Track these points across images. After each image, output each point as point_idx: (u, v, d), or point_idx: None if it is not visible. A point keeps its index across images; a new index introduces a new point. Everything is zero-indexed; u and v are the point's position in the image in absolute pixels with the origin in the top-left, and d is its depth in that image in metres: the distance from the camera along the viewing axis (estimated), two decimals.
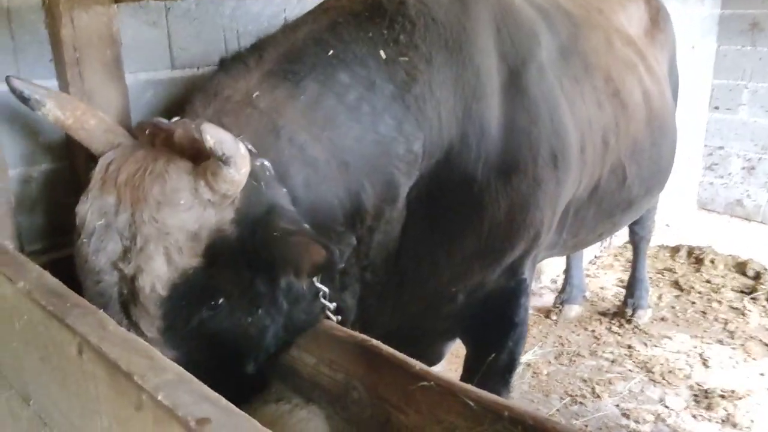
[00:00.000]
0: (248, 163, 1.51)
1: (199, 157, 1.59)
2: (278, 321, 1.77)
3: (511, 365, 2.59)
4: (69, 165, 2.28)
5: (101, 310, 1.26)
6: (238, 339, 1.71)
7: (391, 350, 1.67)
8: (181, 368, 1.06)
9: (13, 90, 1.72)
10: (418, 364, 1.61)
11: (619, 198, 2.92)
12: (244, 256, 1.61)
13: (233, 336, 1.69)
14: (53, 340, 1.23)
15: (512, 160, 2.19)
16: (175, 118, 1.81)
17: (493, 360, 2.53)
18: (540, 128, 2.24)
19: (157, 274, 1.54)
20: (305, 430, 1.85)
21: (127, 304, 1.59)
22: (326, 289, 1.87)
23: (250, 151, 1.63)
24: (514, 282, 2.45)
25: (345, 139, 1.87)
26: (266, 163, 1.71)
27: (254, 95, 1.82)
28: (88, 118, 1.76)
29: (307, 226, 1.66)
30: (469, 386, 1.51)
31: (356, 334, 1.79)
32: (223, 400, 0.96)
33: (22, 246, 2.17)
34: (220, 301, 1.62)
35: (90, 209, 1.62)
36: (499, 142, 2.17)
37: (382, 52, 1.97)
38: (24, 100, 1.72)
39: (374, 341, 1.73)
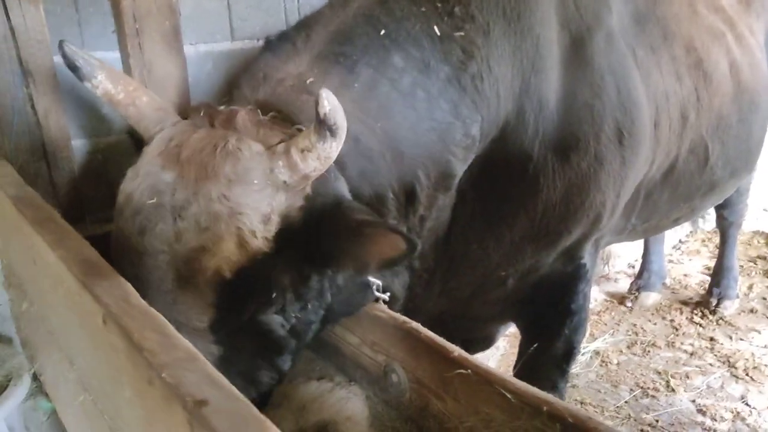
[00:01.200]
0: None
1: (265, 143, 1.51)
2: (320, 315, 1.70)
3: (568, 354, 2.46)
4: (132, 137, 2.32)
5: (128, 283, 1.25)
6: (286, 335, 1.62)
7: (429, 334, 1.61)
8: (192, 347, 1.04)
9: (64, 56, 1.67)
10: (456, 350, 1.53)
11: (699, 180, 2.69)
12: (307, 248, 1.52)
13: (281, 331, 1.61)
14: (85, 309, 1.24)
15: (571, 137, 2.05)
16: (222, 107, 1.76)
17: (549, 348, 2.42)
18: (604, 102, 2.08)
19: (226, 256, 1.42)
20: (344, 410, 1.83)
21: (171, 290, 1.46)
22: (379, 282, 1.80)
23: None
24: (571, 267, 2.32)
25: (399, 129, 1.78)
26: None
27: (308, 81, 1.74)
28: (140, 95, 1.69)
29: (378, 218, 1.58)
30: (508, 377, 1.43)
31: (397, 315, 1.74)
32: (227, 383, 0.93)
33: (84, 215, 2.24)
34: (275, 293, 1.53)
35: (140, 187, 1.51)
36: (558, 117, 2.03)
37: (436, 28, 1.86)
38: (74, 68, 1.66)
39: (414, 324, 1.67)
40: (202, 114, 1.63)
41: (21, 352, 2.20)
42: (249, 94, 1.79)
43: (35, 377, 2.21)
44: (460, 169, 1.92)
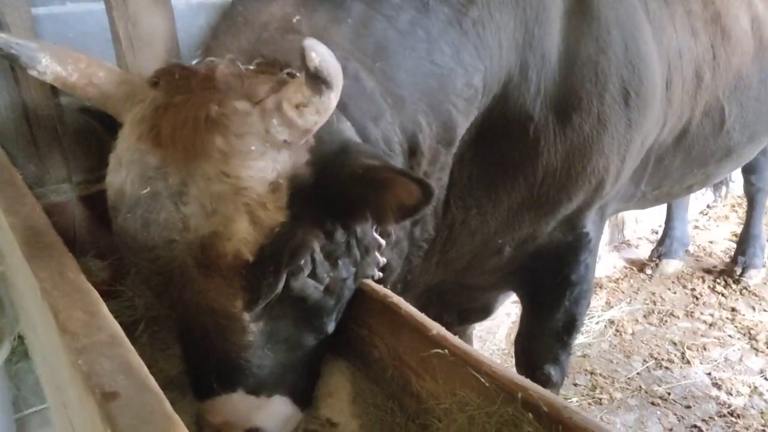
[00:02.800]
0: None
1: (253, 96, 1.34)
2: (352, 272, 1.59)
3: (569, 326, 2.36)
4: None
5: (70, 255, 1.17)
6: (322, 296, 1.52)
7: (410, 310, 1.51)
8: (119, 329, 0.96)
9: None
10: (435, 328, 1.43)
11: (714, 145, 2.51)
12: (324, 203, 1.39)
13: (317, 294, 1.51)
14: (29, 281, 1.18)
15: (574, 96, 1.89)
16: (196, 60, 1.62)
17: (549, 319, 2.32)
18: (610, 58, 1.92)
19: (243, 237, 1.28)
20: (326, 386, 1.76)
21: (196, 278, 1.32)
22: (383, 242, 1.67)
23: None
24: (572, 236, 2.18)
25: (399, 71, 1.64)
26: None
27: (294, 20, 1.59)
28: (95, 70, 1.45)
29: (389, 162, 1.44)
30: (486, 359, 1.33)
31: (379, 288, 1.65)
32: (144, 372, 0.85)
33: (70, 176, 2.18)
34: (306, 258, 1.41)
35: (128, 177, 1.34)
36: (560, 74, 1.88)
37: None
38: (12, 58, 1.42)
39: (395, 298, 1.57)
40: (177, 77, 1.41)
41: (6, 314, 2.17)
42: (229, 43, 1.62)
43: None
44: (461, 122, 1.78)
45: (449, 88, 1.71)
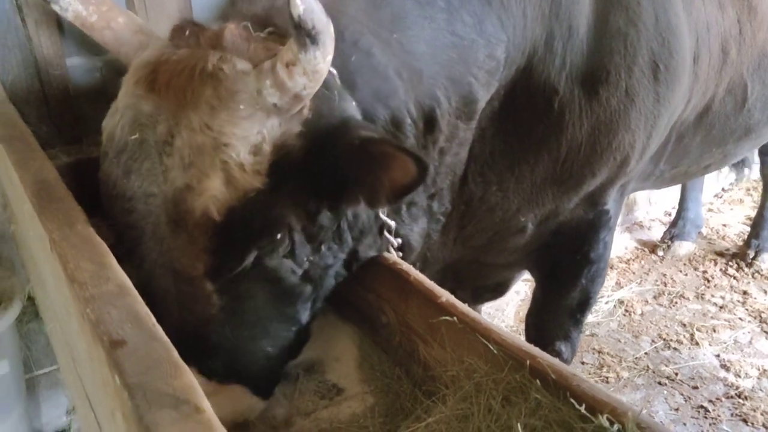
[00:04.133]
0: (333, 49, 1.20)
1: (256, 61, 1.31)
2: (340, 259, 1.55)
3: (583, 304, 2.34)
4: None
5: (78, 208, 1.16)
6: (299, 282, 1.47)
7: (419, 277, 1.50)
8: (127, 280, 0.95)
9: None
10: (444, 295, 1.43)
11: (734, 123, 2.46)
12: (311, 180, 1.35)
13: (293, 278, 1.45)
14: (39, 233, 1.17)
15: (601, 69, 1.84)
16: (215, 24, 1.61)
17: (564, 297, 2.30)
18: (639, 30, 1.86)
19: (213, 194, 1.24)
20: (333, 350, 1.76)
21: (166, 237, 1.29)
22: (393, 224, 1.63)
23: None
24: (593, 213, 2.15)
25: (417, 43, 1.58)
26: (333, 70, 1.39)
27: None
28: (116, 15, 1.49)
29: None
30: (495, 327, 1.32)
31: (388, 255, 1.64)
32: (151, 321, 0.85)
33: (81, 136, 2.17)
34: (280, 234, 1.35)
35: (120, 122, 1.33)
36: (587, 46, 1.83)
37: None
38: None
39: (405, 265, 1.57)
40: (187, 33, 1.40)
41: (17, 274, 2.18)
42: (245, 10, 1.59)
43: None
44: (482, 95, 1.74)
45: (470, 60, 1.66)
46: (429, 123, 1.65)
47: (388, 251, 1.68)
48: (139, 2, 2.07)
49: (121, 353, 0.78)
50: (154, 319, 0.86)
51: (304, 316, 1.54)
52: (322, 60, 1.18)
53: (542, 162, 1.94)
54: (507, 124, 1.86)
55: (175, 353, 0.79)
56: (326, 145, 1.33)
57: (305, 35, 1.13)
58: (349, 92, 1.45)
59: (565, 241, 2.21)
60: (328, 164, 1.33)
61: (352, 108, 1.44)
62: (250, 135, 1.26)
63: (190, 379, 0.74)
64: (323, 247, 1.47)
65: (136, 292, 0.92)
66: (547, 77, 1.82)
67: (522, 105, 1.84)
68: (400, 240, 1.70)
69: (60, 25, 2.04)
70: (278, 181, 1.30)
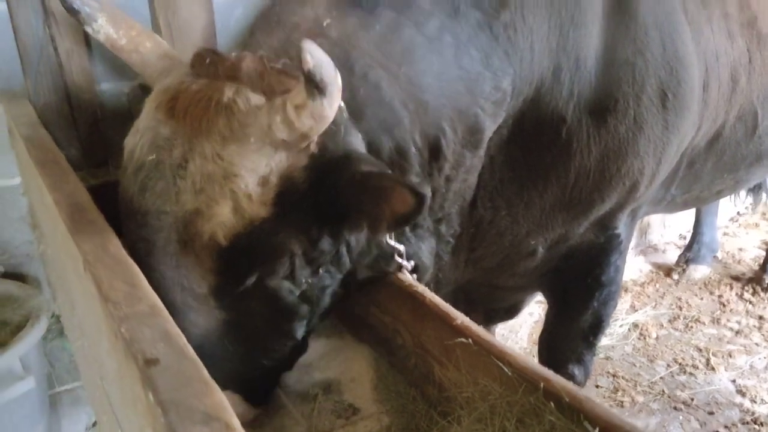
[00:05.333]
0: (340, 97, 1.27)
1: (270, 93, 1.38)
2: (337, 280, 1.62)
3: (596, 327, 2.36)
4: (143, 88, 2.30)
5: (111, 231, 1.22)
6: (296, 301, 1.53)
7: (435, 299, 1.54)
8: (158, 300, 1.00)
9: (62, 1, 1.60)
10: (460, 318, 1.46)
11: (745, 150, 2.48)
12: (314, 209, 1.42)
13: (291, 297, 1.52)
14: (72, 254, 1.23)
15: (609, 98, 1.89)
16: (234, 53, 1.68)
17: (576, 320, 2.32)
18: (647, 59, 1.91)
19: (221, 221, 1.32)
20: (350, 371, 1.80)
21: (175, 253, 1.36)
22: (402, 248, 1.68)
23: None
24: (604, 237, 2.18)
25: (424, 76, 1.65)
26: (341, 104, 1.45)
27: (324, 23, 1.62)
28: (144, 39, 1.59)
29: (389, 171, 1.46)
30: (509, 349, 1.35)
31: (404, 277, 1.68)
32: (182, 341, 0.89)
33: (107, 159, 2.24)
34: (280, 261, 1.43)
35: (140, 142, 1.40)
36: (595, 76, 1.88)
37: None
38: (73, 12, 1.58)
39: (420, 287, 1.61)
40: (207, 62, 1.47)
41: (43, 292, 2.25)
42: (263, 41, 1.68)
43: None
44: (488, 125, 1.80)
45: (477, 91, 1.72)
46: (434, 152, 1.71)
47: (402, 273, 1.73)
48: (165, 31, 2.15)
49: (155, 371, 0.82)
50: (184, 339, 0.90)
51: (300, 332, 1.61)
52: (328, 107, 1.24)
53: (551, 188, 1.98)
54: (516, 151, 1.91)
55: (206, 372, 0.83)
56: (330, 178, 1.39)
57: (314, 87, 1.19)
58: (356, 123, 1.52)
59: (576, 265, 2.24)
60: (331, 195, 1.40)
61: (357, 141, 1.51)
62: (258, 167, 1.33)
63: (220, 397, 0.79)
64: (322, 270, 1.54)
65: (167, 312, 0.97)
66: (554, 107, 1.87)
67: (530, 133, 1.89)
68: (413, 262, 1.75)
69: (90, 52, 2.13)
70: (283, 210, 1.37)
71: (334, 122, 1.37)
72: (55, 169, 1.48)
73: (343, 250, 1.57)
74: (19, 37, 2.00)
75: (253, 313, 1.49)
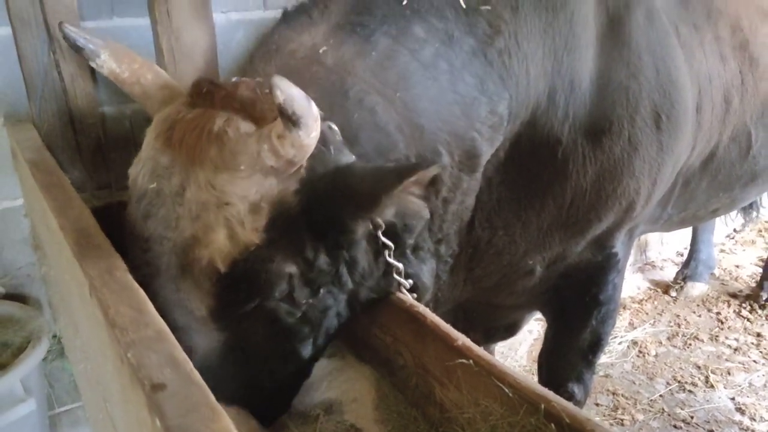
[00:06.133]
0: (319, 126, 1.31)
1: (263, 120, 1.41)
2: (341, 300, 1.63)
3: (595, 345, 2.37)
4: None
5: (117, 255, 1.24)
6: (296, 322, 1.55)
7: (435, 320, 1.55)
8: (164, 325, 1.01)
9: (66, 38, 1.68)
10: (461, 339, 1.47)
11: (740, 169, 2.53)
12: (308, 232, 1.45)
13: (291, 319, 1.53)
14: (78, 279, 1.24)
15: (604, 120, 1.93)
16: (234, 78, 1.71)
17: (575, 338, 2.34)
18: (641, 83, 1.95)
19: (218, 247, 1.36)
20: (351, 391, 1.80)
21: (176, 277, 1.41)
22: (400, 266, 1.69)
23: None
24: (601, 256, 2.21)
25: (420, 101, 1.69)
26: (334, 126, 1.51)
27: (321, 50, 1.67)
28: (145, 71, 1.65)
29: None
30: (510, 370, 1.36)
31: (405, 297, 1.69)
32: (189, 366, 0.91)
33: (110, 182, 2.26)
34: (277, 284, 1.45)
35: (142, 171, 1.46)
36: (590, 99, 1.92)
37: (461, 1, 1.77)
38: (77, 49, 1.67)
39: (421, 308, 1.62)
40: (204, 91, 1.50)
41: (44, 314, 2.25)
42: (261, 68, 1.72)
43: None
44: (485, 149, 1.82)
45: (473, 116, 1.76)
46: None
47: (401, 292, 1.74)
48: (168, 55, 2.19)
49: (162, 397, 0.83)
50: (191, 364, 0.91)
51: (304, 353, 1.62)
52: (306, 137, 1.28)
53: (548, 208, 2.00)
54: (513, 172, 1.94)
55: (213, 397, 0.84)
56: (322, 200, 1.42)
57: (287, 119, 1.23)
58: (351, 146, 1.54)
59: (574, 284, 2.26)
60: (323, 216, 1.43)
61: (349, 161, 1.51)
62: (249, 194, 1.36)
63: (227, 422, 0.80)
64: (322, 291, 1.55)
65: (173, 337, 0.98)
66: (550, 128, 1.91)
67: (527, 154, 1.92)
68: (411, 281, 1.76)
69: (94, 76, 2.16)
70: (277, 235, 1.40)
71: (324, 144, 1.43)
72: (59, 193, 1.50)
73: (343, 270, 1.58)
74: (23, 62, 2.03)
75: (253, 334, 1.51)
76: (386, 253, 1.63)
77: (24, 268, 2.29)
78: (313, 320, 1.59)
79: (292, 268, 1.46)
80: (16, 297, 2.28)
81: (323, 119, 1.47)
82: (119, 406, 1.17)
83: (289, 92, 1.20)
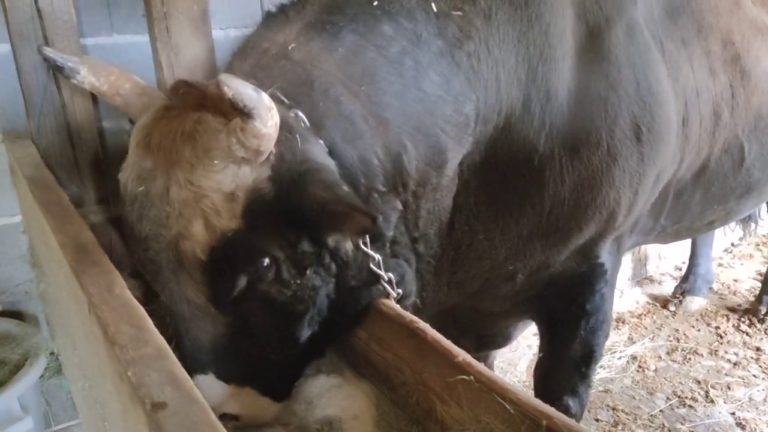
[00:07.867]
0: (275, 115, 1.38)
1: (231, 116, 1.46)
2: (329, 282, 1.69)
3: (587, 357, 2.35)
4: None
5: (116, 272, 1.23)
6: (289, 300, 1.62)
7: (436, 336, 1.54)
8: (164, 343, 1.01)
9: (46, 59, 1.74)
10: (461, 355, 1.47)
11: (734, 182, 2.53)
12: (285, 215, 1.52)
13: (284, 299, 1.61)
14: (77, 296, 1.23)
15: (581, 131, 1.95)
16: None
17: (566, 350, 2.33)
18: (620, 95, 1.97)
19: (197, 239, 1.45)
20: (351, 408, 1.78)
21: (175, 270, 1.50)
22: (378, 256, 1.74)
23: (282, 101, 1.56)
24: (586, 266, 2.21)
25: (384, 95, 1.75)
26: (300, 114, 1.61)
27: (290, 47, 1.74)
28: (123, 82, 1.72)
29: (345, 188, 1.56)
30: (511, 386, 1.36)
31: (405, 313, 1.68)
32: (189, 384, 0.90)
33: (108, 196, 2.26)
34: (265, 263, 1.53)
35: (130, 176, 1.54)
36: (568, 109, 1.94)
37: (434, 5, 1.82)
38: (58, 68, 1.73)
39: (421, 324, 1.61)
40: (180, 92, 1.58)
41: (42, 331, 2.24)
42: (237, 66, 1.78)
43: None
44: (452, 146, 1.86)
45: (437, 113, 1.81)
46: (397, 165, 1.78)
47: (385, 288, 1.77)
48: (168, 71, 2.20)
49: (162, 415, 0.83)
50: (191, 382, 0.91)
51: (302, 331, 1.69)
52: (263, 127, 1.35)
53: (526, 215, 2.03)
54: (490, 176, 1.97)
55: (213, 415, 0.84)
56: (292, 192, 1.51)
57: (240, 112, 1.30)
58: (317, 132, 1.62)
59: (560, 292, 2.26)
60: (296, 209, 1.51)
61: (316, 149, 1.60)
62: (223, 186, 1.45)
63: None
64: (309, 271, 1.62)
65: (173, 355, 0.97)
66: (526, 136, 1.94)
67: (503, 160, 1.96)
68: (400, 291, 1.81)
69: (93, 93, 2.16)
70: (254, 219, 1.48)
71: (289, 131, 1.52)
72: (59, 210, 1.50)
73: (326, 254, 1.64)
74: (22, 79, 2.03)
75: (252, 315, 1.61)
76: (361, 242, 1.68)
77: (22, 284, 2.28)
78: (305, 299, 1.65)
79: (275, 249, 1.54)
80: (14, 314, 2.27)
81: (289, 108, 1.59)
82: (118, 425, 1.16)
83: (236, 88, 1.27)
